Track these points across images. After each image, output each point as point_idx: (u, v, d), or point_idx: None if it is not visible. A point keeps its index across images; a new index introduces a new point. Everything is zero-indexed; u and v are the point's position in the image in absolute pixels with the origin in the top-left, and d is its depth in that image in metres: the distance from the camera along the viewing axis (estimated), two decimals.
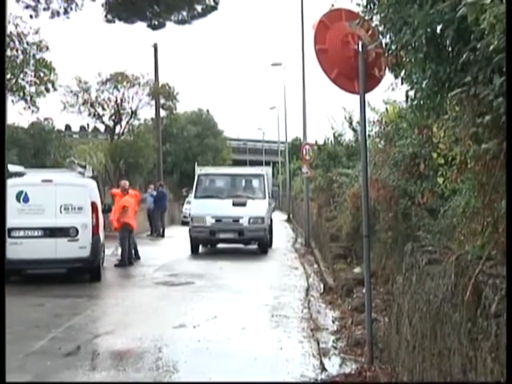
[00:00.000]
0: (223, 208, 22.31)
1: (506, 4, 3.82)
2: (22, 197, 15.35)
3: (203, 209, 22.56)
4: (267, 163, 64.36)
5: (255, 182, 24.21)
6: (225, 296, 13.93)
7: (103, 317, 11.88)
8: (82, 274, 16.00)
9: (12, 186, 15.57)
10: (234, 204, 22.45)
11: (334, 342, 9.63)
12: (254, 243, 23.13)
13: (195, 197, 23.61)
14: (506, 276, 4.06)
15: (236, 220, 22.25)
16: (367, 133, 12.06)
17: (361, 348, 8.74)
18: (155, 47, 38.49)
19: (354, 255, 15.24)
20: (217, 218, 22.30)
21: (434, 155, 8.32)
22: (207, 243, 23.55)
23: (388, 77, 7.04)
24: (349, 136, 23.25)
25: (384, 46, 6.28)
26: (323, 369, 8.26)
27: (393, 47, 5.66)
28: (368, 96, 8.34)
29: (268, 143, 75.42)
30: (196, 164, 27.53)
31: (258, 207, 22.54)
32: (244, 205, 22.39)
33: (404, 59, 5.60)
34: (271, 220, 24.71)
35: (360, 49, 7.72)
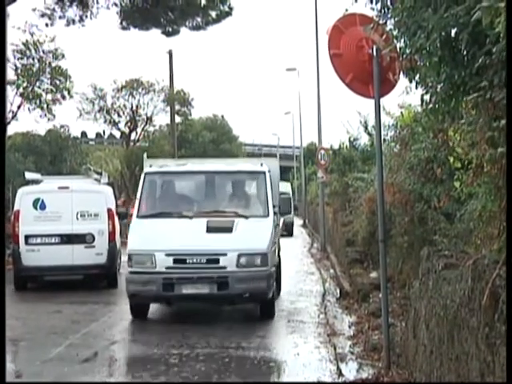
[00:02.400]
0: (189, 236, 11.66)
1: (505, 4, 3.80)
2: (39, 204, 15.44)
3: (150, 239, 11.84)
4: (282, 168, 64.38)
5: (250, 187, 13.60)
6: None
7: (120, 323, 11.90)
8: (99, 281, 16.06)
9: (29, 193, 15.68)
10: (210, 228, 11.64)
11: (350, 347, 9.60)
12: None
13: (138, 215, 12.39)
14: (506, 276, 4.04)
15: (213, 259, 11.37)
16: (382, 137, 12.05)
17: (378, 353, 8.71)
18: (170, 54, 38.58)
19: (370, 260, 15.19)
20: (176, 255, 11.41)
21: (451, 159, 8.29)
22: (158, 301, 12.36)
23: (403, 81, 7.04)
24: (364, 140, 23.18)
25: (398, 50, 6.27)
26: (340, 374, 8.24)
27: (407, 51, 5.64)
28: (383, 100, 8.33)
29: (283, 148, 75.30)
30: (145, 155, 15.92)
31: (254, 233, 11.82)
32: (228, 230, 11.68)
33: (418, 63, 5.59)
34: (278, 250, 14.07)
35: (374, 53, 7.71)
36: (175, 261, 11.32)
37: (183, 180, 13.58)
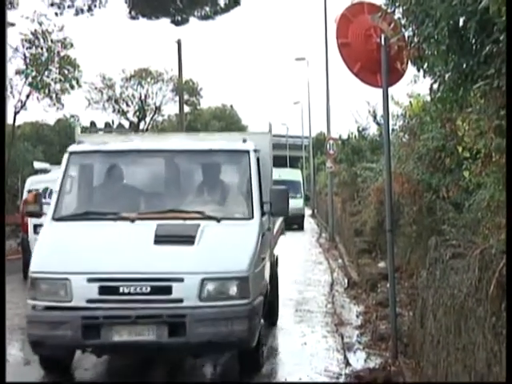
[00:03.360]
0: (126, 250, 7.55)
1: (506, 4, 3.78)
2: (48, 193, 15.46)
3: (64, 254, 7.57)
4: (291, 158, 64.25)
5: (226, 174, 9.21)
6: None
7: None
8: None
9: (38, 182, 15.71)
10: (160, 238, 7.54)
11: (358, 336, 9.61)
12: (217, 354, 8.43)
13: (53, 217, 8.31)
14: (506, 277, 4.03)
15: (162, 287, 7.23)
16: (391, 127, 12.01)
17: (385, 343, 8.71)
18: (179, 43, 38.50)
19: (378, 250, 15.18)
20: (104, 280, 7.27)
21: (459, 149, 8.25)
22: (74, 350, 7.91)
23: (411, 70, 7.00)
24: (373, 130, 23.13)
25: (406, 38, 6.23)
26: (347, 363, 8.25)
27: (415, 40, 5.61)
28: (392, 90, 8.31)
29: (292, 138, 75.21)
30: (77, 129, 10.86)
31: (229, 246, 7.77)
32: (188, 240, 7.56)
33: (426, 52, 5.55)
34: (275, 263, 10.68)
35: (383, 42, 7.67)
36: (102, 290, 7.10)
37: (126, 163, 8.95)
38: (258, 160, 8.66)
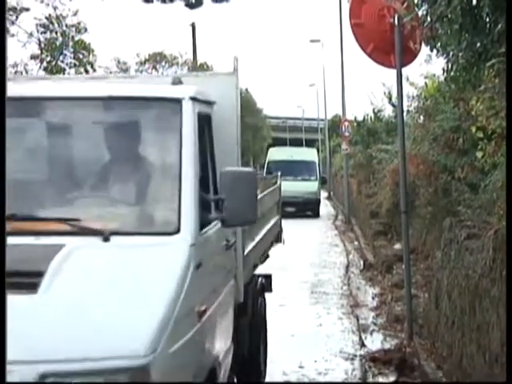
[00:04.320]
0: None
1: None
2: None
3: None
4: (307, 141, 64.06)
5: (137, 142, 4.66)
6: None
7: None
8: None
9: None
10: None
11: (373, 318, 9.62)
12: None
13: None
14: (506, 278, 4.01)
15: None
16: (406, 108, 11.95)
17: (400, 324, 8.71)
18: (193, 26, 38.33)
19: (394, 231, 15.15)
20: None
21: (473, 129, 8.20)
22: None
23: (425, 50, 6.96)
24: (388, 112, 23.00)
25: (419, 18, 6.18)
26: (362, 345, 8.27)
27: (428, 19, 5.55)
28: (407, 70, 8.26)
29: (308, 121, 74.97)
30: None
31: (110, 294, 3.56)
32: (30, 284, 3.49)
33: (439, 31, 5.50)
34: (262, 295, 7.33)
35: (396, 22, 7.61)
36: None
37: None
38: (207, 119, 4.89)
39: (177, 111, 4.50)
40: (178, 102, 4.54)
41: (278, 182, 10.18)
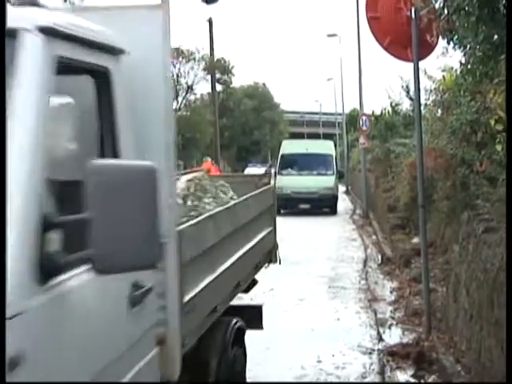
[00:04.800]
0: None
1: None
2: None
3: None
4: (325, 135, 63.94)
5: None
6: (282, 268, 13.90)
7: None
8: None
9: None
10: None
11: (391, 312, 9.60)
12: None
13: None
14: (506, 281, 3.99)
15: None
16: (424, 101, 11.89)
17: (418, 318, 8.70)
18: (210, 21, 38.42)
19: (412, 225, 15.09)
20: None
21: (492, 122, 8.15)
22: None
23: (442, 43, 6.92)
24: (406, 105, 22.91)
25: (436, 10, 6.15)
26: (380, 339, 8.26)
27: (445, 12, 5.53)
28: (424, 64, 8.22)
29: (325, 115, 74.82)
30: None
31: None
32: None
33: (456, 24, 5.48)
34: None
35: (413, 15, 7.57)
36: None
37: None
38: (98, 74, 3.13)
39: (11, 49, 2.48)
40: (13, 34, 2.53)
41: (272, 183, 7.40)
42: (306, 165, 28.50)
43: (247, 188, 6.55)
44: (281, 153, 30.06)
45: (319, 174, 28.50)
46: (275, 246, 7.23)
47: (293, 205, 26.81)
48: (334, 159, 29.53)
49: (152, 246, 2.51)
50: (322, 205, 27.43)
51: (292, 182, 26.96)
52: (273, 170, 10.40)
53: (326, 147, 30.68)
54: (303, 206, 27.41)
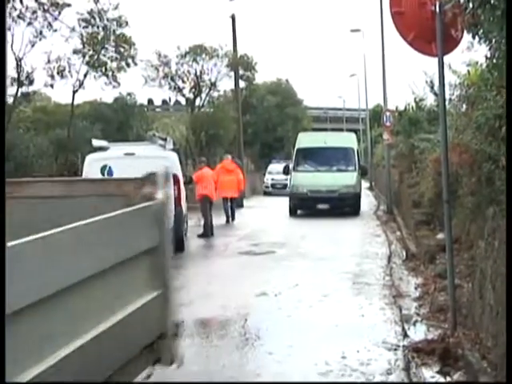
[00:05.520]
0: None
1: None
2: (107, 170, 15.70)
3: None
4: (348, 131, 63.80)
5: None
6: (306, 264, 13.97)
7: (187, 286, 12.06)
8: None
9: (97, 160, 15.97)
10: None
11: (416, 308, 9.56)
12: None
13: None
14: (506, 280, 3.95)
15: None
16: (448, 96, 11.80)
17: (444, 314, 8.65)
18: (233, 18, 38.46)
19: (436, 221, 15.01)
20: None
21: None
22: None
23: (466, 37, 6.87)
24: (430, 100, 22.78)
25: (461, 4, 6.11)
26: (405, 335, 8.23)
27: (470, 6, 5.49)
28: (449, 58, 8.15)
29: (349, 111, 74.62)
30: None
31: None
32: None
33: (481, 18, 5.43)
34: None
35: (437, 9, 7.52)
36: None
37: None
38: None
39: None
40: None
41: (161, 196, 4.35)
42: (325, 160, 25.97)
43: (109, 205, 3.95)
44: (296, 147, 27.43)
45: (339, 171, 25.91)
46: (167, 336, 4.03)
47: (310, 205, 25.27)
48: (355, 153, 26.66)
49: None
50: (343, 204, 24.83)
51: (309, 179, 25.20)
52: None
53: (346, 140, 27.83)
54: (321, 207, 25.54)
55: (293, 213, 25.31)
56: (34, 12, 25.06)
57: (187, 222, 18.72)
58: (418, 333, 8.31)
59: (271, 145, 56.88)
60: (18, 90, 26.40)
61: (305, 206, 25.19)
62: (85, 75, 26.81)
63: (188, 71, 38.14)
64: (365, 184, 46.88)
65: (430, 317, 8.91)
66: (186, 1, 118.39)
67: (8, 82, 26.43)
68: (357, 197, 25.44)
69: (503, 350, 6.05)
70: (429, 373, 6.90)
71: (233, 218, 24.16)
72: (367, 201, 34.99)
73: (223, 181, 23.32)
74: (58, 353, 2.99)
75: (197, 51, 37.82)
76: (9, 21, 24.36)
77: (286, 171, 28.74)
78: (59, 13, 25.53)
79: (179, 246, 16.14)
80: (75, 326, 3.16)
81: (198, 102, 39.26)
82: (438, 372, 6.87)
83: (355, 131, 61.03)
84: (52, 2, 25.18)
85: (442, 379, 6.74)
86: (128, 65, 27.64)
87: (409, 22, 7.81)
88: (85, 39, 26.49)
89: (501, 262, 6.09)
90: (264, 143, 55.40)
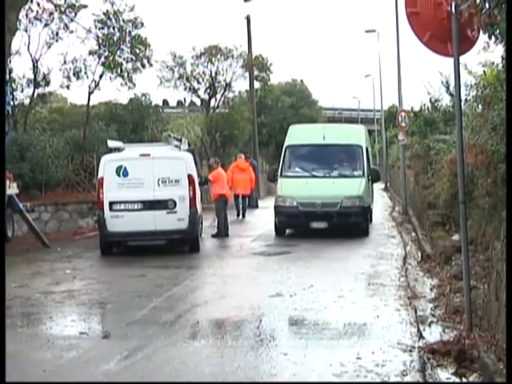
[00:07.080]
0: None
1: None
2: (122, 171, 15.76)
3: None
4: None
5: None
6: (321, 265, 13.96)
7: (202, 286, 12.13)
8: (181, 246, 16.34)
9: (112, 160, 16.03)
10: None
11: (431, 309, 9.52)
12: None
13: None
14: (506, 279, 3.92)
15: None
16: (464, 97, 11.76)
17: (459, 315, 8.62)
18: (248, 19, 38.48)
19: (452, 222, 14.97)
20: None
21: None
22: None
23: (482, 38, 6.84)
24: (446, 101, 22.70)
25: (477, 5, 6.08)
26: (420, 336, 8.20)
27: (486, 6, 5.47)
28: (465, 59, 8.13)
29: (364, 112, 74.54)
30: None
31: None
32: None
33: (498, 18, 5.41)
34: None
35: (453, 9, 7.49)
36: None
37: None
38: None
39: None
40: None
41: None
42: (323, 161, 19.66)
43: None
44: (285, 144, 20.58)
45: (342, 176, 19.30)
46: None
47: (301, 223, 18.52)
48: (364, 152, 19.92)
49: None
50: (346, 222, 18.28)
51: (300, 187, 18.70)
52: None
53: (352, 134, 20.92)
54: (316, 226, 18.38)
55: (280, 232, 19.11)
56: (51, 14, 25.18)
57: (202, 222, 18.78)
58: (434, 334, 8.27)
59: None
60: (34, 91, 26.52)
61: (294, 224, 18.96)
62: (100, 76, 26.88)
63: (203, 72, 38.16)
64: (379, 185, 46.82)
65: (446, 318, 8.87)
66: (201, 2, 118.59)
67: (24, 83, 26.62)
68: (365, 212, 19.05)
69: None
70: (444, 374, 6.87)
71: (243, 215, 24.70)
72: (382, 201, 34.92)
73: (237, 179, 24.47)
74: None
75: (212, 52, 37.82)
76: (25, 22, 24.52)
77: (272, 177, 20.91)
78: (75, 14, 25.63)
79: (194, 246, 16.19)
80: None
81: (212, 102, 39.27)
82: (453, 373, 6.85)
83: (370, 132, 60.99)
84: (68, 4, 25.29)
85: (457, 380, 6.72)
86: (143, 66, 27.70)
87: (424, 22, 7.79)
88: (100, 40, 26.55)
89: None
90: (279, 144, 55.15)
